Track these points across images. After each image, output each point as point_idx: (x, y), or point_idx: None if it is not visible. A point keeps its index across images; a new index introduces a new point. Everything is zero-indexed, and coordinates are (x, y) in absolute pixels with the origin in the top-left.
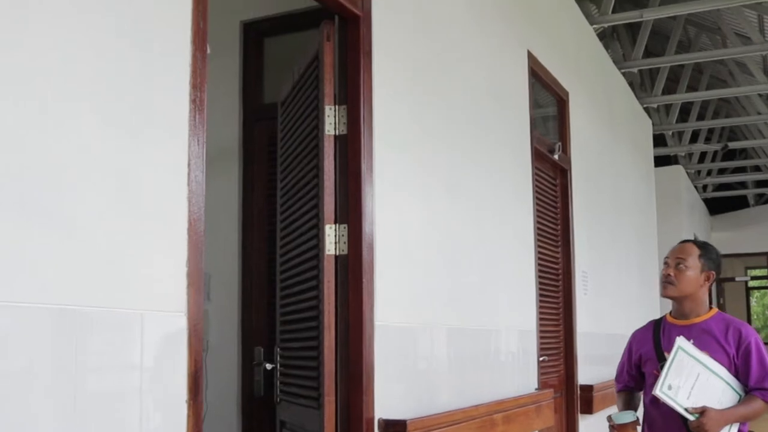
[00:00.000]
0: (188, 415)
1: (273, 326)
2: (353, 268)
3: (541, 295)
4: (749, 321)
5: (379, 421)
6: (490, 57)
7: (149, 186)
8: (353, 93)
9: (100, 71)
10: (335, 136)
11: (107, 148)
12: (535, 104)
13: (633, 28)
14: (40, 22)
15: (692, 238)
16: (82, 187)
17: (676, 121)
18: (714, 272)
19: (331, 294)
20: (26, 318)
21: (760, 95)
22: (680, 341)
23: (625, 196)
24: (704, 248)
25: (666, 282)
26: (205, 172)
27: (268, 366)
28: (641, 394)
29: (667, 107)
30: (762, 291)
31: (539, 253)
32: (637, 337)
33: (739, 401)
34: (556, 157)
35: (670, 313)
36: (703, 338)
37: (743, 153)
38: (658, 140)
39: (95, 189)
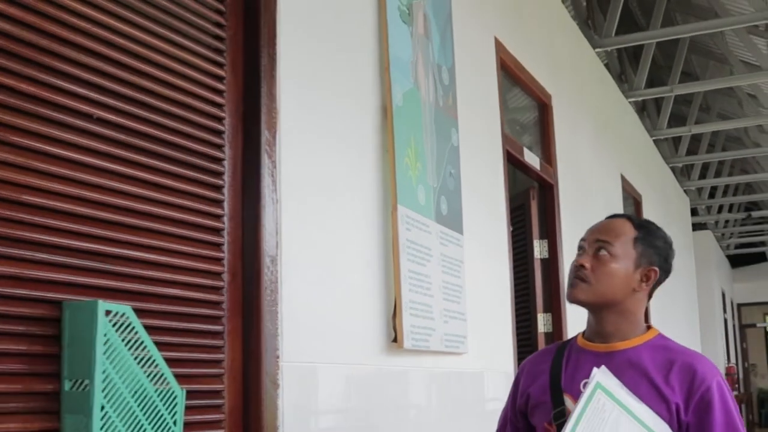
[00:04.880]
0: None
1: None
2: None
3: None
4: None
5: None
6: None
7: None
8: (551, 232)
9: None
10: (541, 259)
11: None
12: None
13: (657, 102)
14: None
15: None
16: None
17: (698, 178)
18: (657, 269)
19: None
20: None
21: None
22: (600, 375)
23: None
24: (644, 229)
25: (575, 277)
26: None
27: None
28: None
29: (689, 167)
30: None
31: None
32: (528, 366)
33: None
34: None
35: (583, 333)
36: (629, 375)
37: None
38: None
39: None
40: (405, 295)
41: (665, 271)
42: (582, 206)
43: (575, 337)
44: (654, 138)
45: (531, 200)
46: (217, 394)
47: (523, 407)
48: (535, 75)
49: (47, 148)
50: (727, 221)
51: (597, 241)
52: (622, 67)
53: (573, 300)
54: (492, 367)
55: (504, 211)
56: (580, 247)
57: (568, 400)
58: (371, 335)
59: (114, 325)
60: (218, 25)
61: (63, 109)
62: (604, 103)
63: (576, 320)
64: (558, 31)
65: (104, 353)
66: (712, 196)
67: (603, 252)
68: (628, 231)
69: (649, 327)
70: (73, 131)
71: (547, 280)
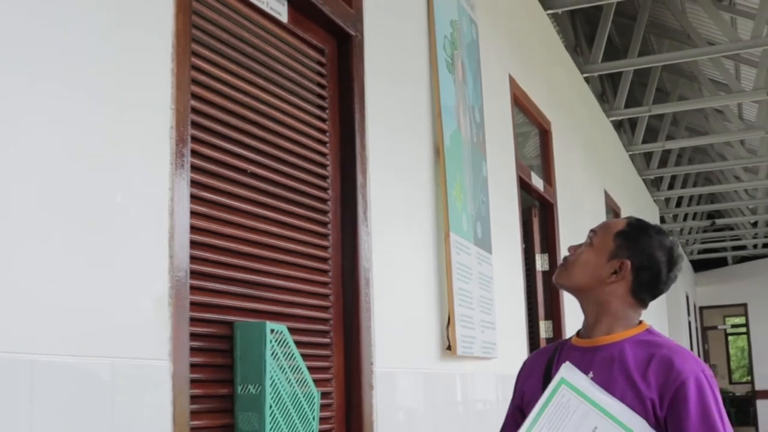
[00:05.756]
0: None
1: None
2: None
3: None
4: (728, 364)
5: None
6: None
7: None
8: (551, 247)
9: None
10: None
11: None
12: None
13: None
14: None
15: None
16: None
17: (667, 188)
18: (629, 261)
19: None
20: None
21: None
22: (565, 370)
23: None
24: (635, 227)
25: (560, 263)
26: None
27: None
28: None
29: (659, 179)
30: (739, 336)
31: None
32: (527, 364)
33: None
34: None
35: (578, 331)
36: (606, 369)
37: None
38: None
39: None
40: (456, 309)
41: (647, 269)
42: (574, 222)
43: (572, 336)
44: (630, 153)
45: (533, 218)
46: (327, 395)
47: (520, 404)
48: (538, 104)
49: (222, 199)
50: (691, 228)
51: (589, 232)
52: (603, 88)
53: (554, 283)
54: (513, 371)
55: (518, 231)
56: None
57: None
58: (432, 344)
59: (276, 341)
60: (321, 86)
61: (230, 168)
62: (590, 124)
63: (575, 327)
64: (555, 62)
65: (270, 364)
66: (678, 205)
67: (587, 240)
68: (619, 226)
69: (640, 323)
70: (235, 184)
71: (548, 290)
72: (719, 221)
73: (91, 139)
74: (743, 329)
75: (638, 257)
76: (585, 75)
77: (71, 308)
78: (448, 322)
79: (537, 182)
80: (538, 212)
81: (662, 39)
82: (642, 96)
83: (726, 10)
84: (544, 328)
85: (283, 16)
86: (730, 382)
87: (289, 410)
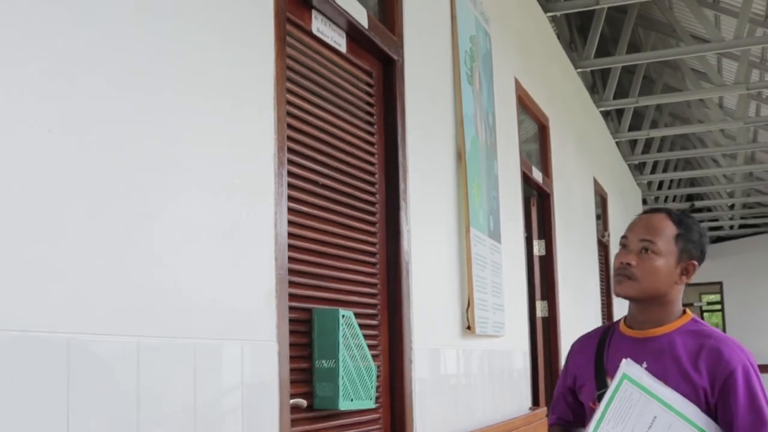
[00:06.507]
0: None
1: None
2: None
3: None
4: None
5: None
6: None
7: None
8: (548, 233)
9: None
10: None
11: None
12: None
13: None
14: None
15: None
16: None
17: (650, 173)
18: (696, 262)
19: None
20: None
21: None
22: (626, 366)
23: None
24: (683, 225)
25: (622, 275)
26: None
27: None
28: None
29: (642, 164)
30: (714, 314)
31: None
32: (576, 348)
33: None
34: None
35: (625, 319)
36: (659, 360)
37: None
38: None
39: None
40: (475, 294)
41: (702, 261)
42: (567, 209)
43: (618, 322)
44: (616, 140)
45: (532, 207)
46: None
47: (572, 386)
48: (538, 102)
49: (303, 208)
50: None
51: (642, 240)
52: (594, 80)
53: (622, 295)
54: (517, 347)
55: (521, 221)
56: (624, 245)
57: (610, 382)
58: (455, 325)
59: (345, 324)
60: (370, 104)
61: (307, 180)
62: (582, 116)
63: (566, 306)
64: (553, 61)
65: (342, 343)
66: (660, 188)
67: (647, 250)
68: (669, 228)
69: (684, 311)
70: (310, 194)
71: (544, 273)
72: (698, 203)
73: (227, 172)
74: (718, 306)
75: (699, 255)
76: (578, 70)
77: (213, 304)
78: (468, 306)
79: (537, 175)
80: (536, 201)
81: (649, 32)
82: (629, 84)
83: (710, 8)
84: (540, 308)
85: (342, 47)
86: None
87: (355, 380)
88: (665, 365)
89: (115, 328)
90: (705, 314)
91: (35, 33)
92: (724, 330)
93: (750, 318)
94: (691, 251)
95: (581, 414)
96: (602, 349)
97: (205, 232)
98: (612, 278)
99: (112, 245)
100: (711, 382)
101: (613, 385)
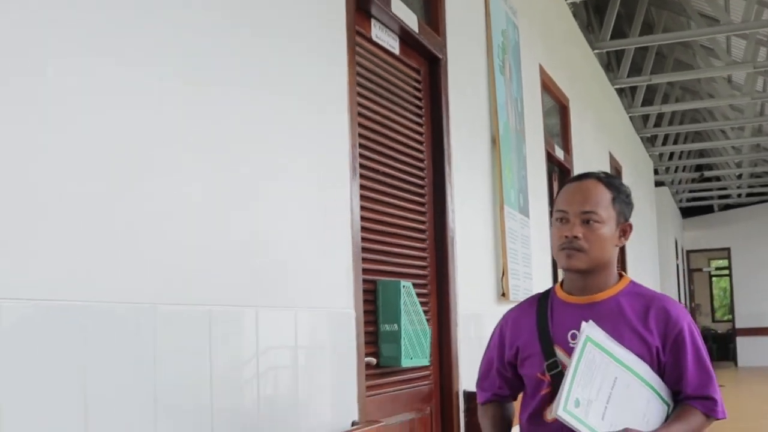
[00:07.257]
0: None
1: None
2: None
3: None
4: (711, 303)
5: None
6: None
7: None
8: None
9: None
10: None
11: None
12: None
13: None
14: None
15: (600, 176)
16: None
17: (661, 144)
18: (631, 222)
19: None
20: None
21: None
22: (589, 329)
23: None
24: (614, 187)
25: (570, 248)
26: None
27: None
28: (514, 407)
29: (654, 137)
30: (722, 278)
31: None
32: (511, 320)
33: (668, 415)
34: None
35: (561, 285)
36: (610, 322)
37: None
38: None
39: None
40: (509, 264)
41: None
42: None
43: (552, 290)
44: (630, 115)
45: (553, 182)
46: None
47: (512, 359)
48: (560, 85)
49: (369, 194)
50: (681, 180)
51: (584, 212)
52: (609, 59)
53: (572, 269)
54: None
55: (545, 197)
56: (563, 219)
57: (558, 351)
58: (492, 292)
59: (406, 293)
60: (418, 98)
61: (370, 169)
62: (599, 94)
63: None
64: (573, 44)
65: (403, 310)
66: (670, 158)
67: (590, 221)
68: (605, 194)
69: (620, 275)
70: (374, 181)
71: None
72: (707, 173)
73: (318, 171)
74: (726, 272)
75: (629, 214)
76: (595, 51)
77: (308, 276)
78: (503, 275)
79: (558, 153)
80: (557, 177)
81: (661, 11)
82: (642, 61)
83: None
84: (561, 275)
85: (396, 49)
86: (713, 321)
87: (414, 341)
88: (617, 327)
89: (235, 299)
90: (713, 279)
91: (169, 47)
92: (731, 293)
93: (757, 282)
94: (625, 213)
95: (519, 388)
96: (544, 319)
97: (306, 223)
98: (557, 253)
99: (231, 229)
100: (663, 341)
101: (577, 350)
